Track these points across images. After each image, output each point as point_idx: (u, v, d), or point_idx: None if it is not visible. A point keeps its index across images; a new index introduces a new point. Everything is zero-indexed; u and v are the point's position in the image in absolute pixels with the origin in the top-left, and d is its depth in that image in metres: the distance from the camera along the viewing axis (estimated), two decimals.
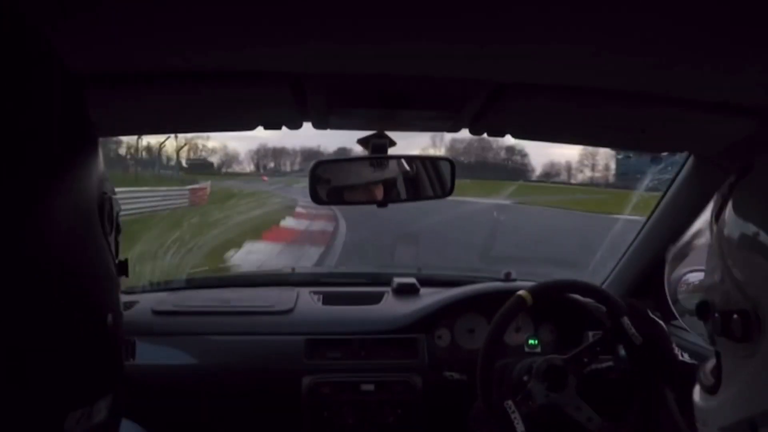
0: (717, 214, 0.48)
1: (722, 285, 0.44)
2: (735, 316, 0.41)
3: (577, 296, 1.32)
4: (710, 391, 0.48)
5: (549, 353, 1.18)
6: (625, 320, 1.12)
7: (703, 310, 0.46)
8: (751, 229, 0.42)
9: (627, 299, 1.22)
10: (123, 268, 0.49)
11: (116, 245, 0.47)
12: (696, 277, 1.42)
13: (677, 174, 1.24)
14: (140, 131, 1.17)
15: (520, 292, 1.16)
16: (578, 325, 1.37)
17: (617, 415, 1.15)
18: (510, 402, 1.10)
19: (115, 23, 0.57)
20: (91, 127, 0.43)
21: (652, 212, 1.35)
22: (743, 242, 0.43)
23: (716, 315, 0.43)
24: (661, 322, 1.13)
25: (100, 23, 0.57)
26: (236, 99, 0.86)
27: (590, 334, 1.36)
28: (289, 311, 1.41)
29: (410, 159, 1.11)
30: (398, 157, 1.09)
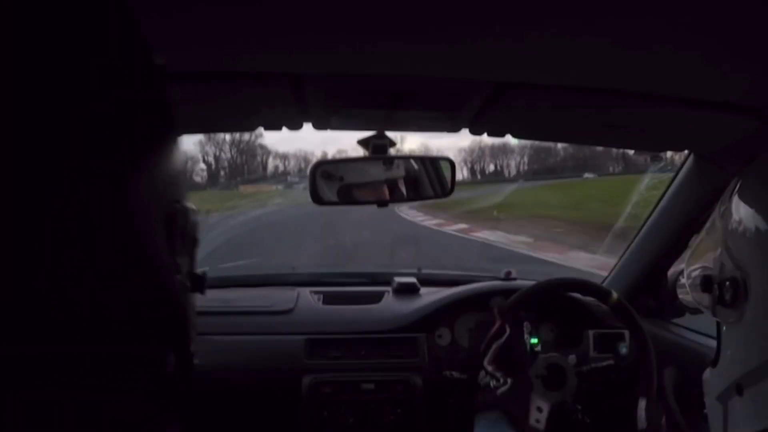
0: (727, 198, 0.56)
1: (720, 258, 0.51)
2: (727, 283, 0.49)
3: (578, 295, 1.32)
4: (712, 364, 0.57)
5: (549, 352, 1.18)
6: (642, 402, 1.08)
7: (706, 283, 0.53)
8: (748, 212, 0.50)
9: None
10: (198, 283, 0.43)
11: (191, 261, 0.41)
12: (696, 273, 1.42)
13: (677, 172, 1.25)
14: None
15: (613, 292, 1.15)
16: (578, 324, 1.37)
17: (617, 413, 1.15)
18: (528, 324, 1.11)
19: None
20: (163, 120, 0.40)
21: (653, 210, 1.35)
22: (740, 223, 0.51)
23: (715, 286, 0.51)
24: (662, 413, 1.11)
25: None
26: (236, 100, 0.86)
27: (590, 332, 1.36)
28: (290, 311, 1.41)
29: (411, 159, 1.11)
30: (399, 158, 1.09)
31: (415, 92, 0.84)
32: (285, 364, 1.33)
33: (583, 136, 1.21)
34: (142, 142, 0.35)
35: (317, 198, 1.07)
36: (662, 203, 1.31)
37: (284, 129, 1.02)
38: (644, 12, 0.53)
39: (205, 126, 1.18)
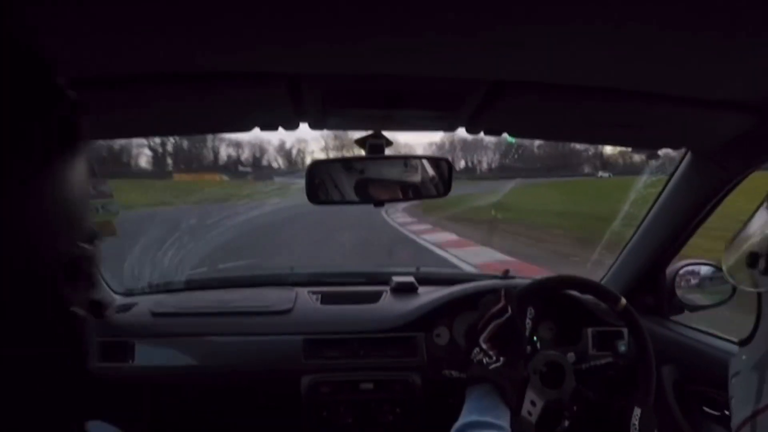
0: None
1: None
2: None
3: (576, 293, 1.32)
4: (744, 343, 0.62)
5: (547, 350, 1.18)
6: (637, 411, 1.02)
7: (752, 258, 0.58)
8: None
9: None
10: (97, 310, 0.43)
11: (89, 290, 0.42)
12: (693, 269, 1.42)
13: (675, 170, 1.25)
14: (136, 134, 1.17)
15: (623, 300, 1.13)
16: (577, 321, 1.37)
17: (616, 411, 1.15)
18: (531, 308, 1.10)
19: (109, 27, 0.57)
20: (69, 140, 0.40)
21: (650, 208, 1.35)
22: None
23: (761, 259, 0.56)
24: (656, 422, 1.09)
25: (94, 27, 0.57)
26: (232, 101, 0.86)
27: (589, 330, 1.36)
28: (288, 311, 1.41)
29: (407, 159, 1.11)
30: (395, 158, 1.09)
31: (411, 92, 0.84)
32: (284, 365, 1.33)
33: (581, 135, 1.20)
34: (34, 165, 0.36)
35: (313, 197, 1.07)
36: (660, 201, 1.31)
37: (280, 129, 1.01)
38: (642, 9, 0.53)
39: (200, 127, 1.18)
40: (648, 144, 1.27)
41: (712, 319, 1.35)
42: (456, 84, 0.79)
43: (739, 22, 0.54)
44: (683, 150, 1.20)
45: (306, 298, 1.49)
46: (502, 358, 0.90)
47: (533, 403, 1.06)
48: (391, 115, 0.95)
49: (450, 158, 1.16)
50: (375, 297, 1.50)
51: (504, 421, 0.81)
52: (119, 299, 1.49)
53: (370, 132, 1.04)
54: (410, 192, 1.10)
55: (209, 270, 2.23)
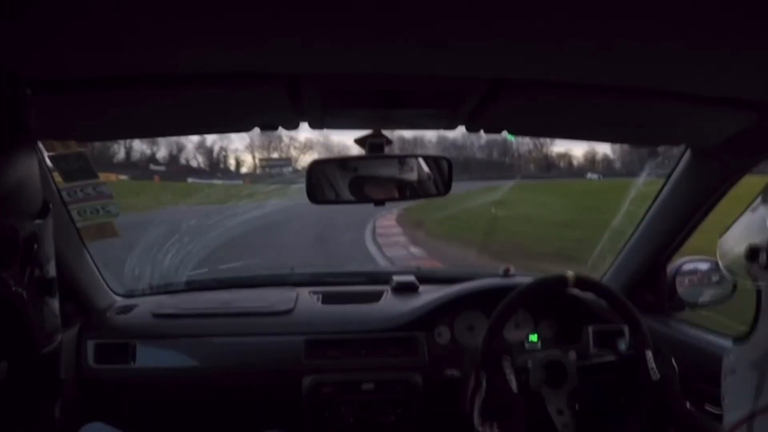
0: None
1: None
2: None
3: (577, 291, 1.32)
4: (740, 340, 0.61)
5: (549, 349, 1.18)
6: (649, 353, 1.09)
7: (752, 252, 0.57)
8: None
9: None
10: (46, 287, 0.42)
11: (37, 268, 0.41)
12: (693, 266, 1.42)
13: (675, 167, 1.25)
14: (136, 135, 1.17)
15: (568, 273, 1.17)
16: (577, 320, 1.37)
17: (617, 410, 1.15)
18: (508, 356, 1.11)
19: (110, 28, 0.57)
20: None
21: (650, 205, 1.35)
22: None
23: (762, 253, 0.56)
24: (675, 365, 1.11)
25: (94, 27, 0.57)
26: (232, 101, 0.86)
27: (590, 329, 1.36)
28: (289, 311, 1.41)
29: (408, 158, 1.11)
30: (395, 157, 1.09)
31: (411, 90, 0.84)
32: (285, 365, 1.33)
33: (580, 132, 1.20)
34: None
35: (314, 197, 1.07)
36: (660, 198, 1.31)
37: (280, 129, 1.01)
38: (641, 8, 0.53)
39: (200, 128, 1.18)
40: (648, 141, 1.27)
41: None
42: (455, 82, 0.79)
43: (739, 19, 0.54)
44: (683, 147, 1.20)
45: (307, 298, 1.49)
46: (497, 430, 0.94)
47: (560, 412, 1.08)
48: (390, 114, 0.95)
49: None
50: (376, 296, 1.50)
51: None
52: (120, 301, 1.49)
53: (370, 131, 1.04)
54: (410, 191, 1.10)
55: (210, 271, 2.23)
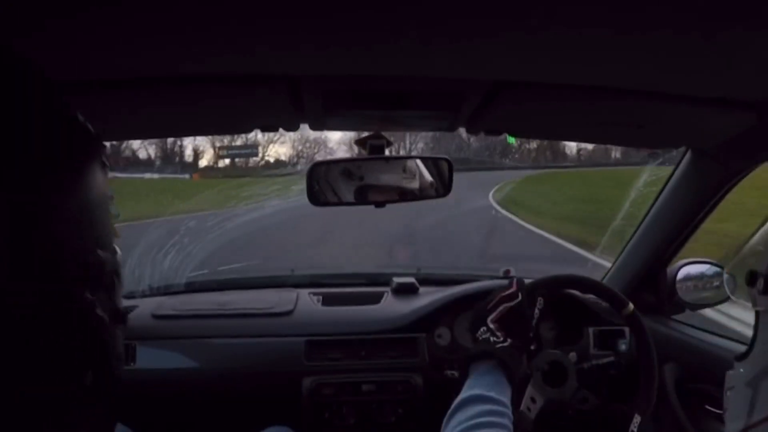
0: None
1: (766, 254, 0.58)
2: None
3: (577, 292, 1.32)
4: (740, 358, 0.62)
5: (549, 349, 1.18)
6: (637, 418, 1.03)
7: (752, 277, 0.59)
8: None
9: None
10: (119, 317, 0.44)
11: (112, 298, 0.43)
12: (693, 268, 1.42)
13: (675, 168, 1.25)
14: (137, 136, 1.17)
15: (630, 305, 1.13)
16: (578, 321, 1.37)
17: (616, 415, 1.15)
18: (542, 299, 1.08)
19: (112, 30, 0.57)
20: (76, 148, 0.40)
21: (651, 207, 1.35)
22: None
23: (761, 279, 0.57)
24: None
25: (98, 30, 0.57)
26: (233, 102, 0.86)
27: (590, 329, 1.36)
28: (289, 313, 1.41)
29: (408, 159, 1.11)
30: (396, 158, 1.09)
31: (411, 92, 0.84)
32: (285, 367, 1.33)
33: (581, 134, 1.21)
34: (48, 172, 0.37)
35: (314, 199, 1.07)
36: (660, 199, 1.31)
37: (281, 130, 1.01)
38: (640, 8, 0.53)
39: (201, 129, 1.18)
40: (648, 143, 1.27)
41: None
42: (456, 84, 0.79)
43: (739, 19, 0.54)
44: (683, 148, 1.20)
45: (307, 299, 1.49)
46: (509, 340, 0.90)
47: (533, 400, 1.06)
48: (391, 116, 0.96)
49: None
50: (376, 298, 1.50)
51: (506, 398, 0.81)
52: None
53: (370, 132, 1.04)
54: (412, 193, 1.10)
55: (210, 272, 2.23)
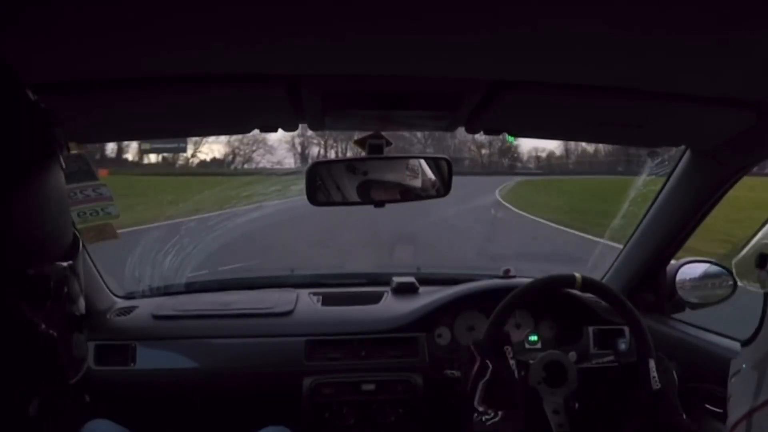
0: None
1: None
2: None
3: (577, 292, 1.32)
4: (747, 343, 0.62)
5: (549, 349, 1.18)
6: (652, 363, 1.08)
7: (761, 259, 0.59)
8: None
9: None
10: (76, 324, 0.41)
11: (68, 306, 0.40)
12: (693, 267, 1.41)
13: (675, 168, 1.25)
14: (137, 136, 1.17)
15: (576, 274, 1.17)
16: (577, 320, 1.37)
17: (614, 414, 1.15)
18: (509, 347, 1.11)
19: (111, 29, 0.57)
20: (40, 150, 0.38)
21: (650, 206, 1.35)
22: None
23: None
24: (676, 378, 1.11)
25: (95, 29, 0.57)
26: (232, 102, 0.86)
27: (590, 329, 1.36)
28: (289, 313, 1.41)
29: (408, 159, 1.11)
30: (395, 158, 1.09)
31: (410, 92, 0.84)
32: (285, 366, 1.33)
33: (580, 133, 1.21)
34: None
35: (314, 199, 1.07)
36: (660, 199, 1.31)
37: (280, 130, 1.01)
38: (639, 8, 0.53)
39: (200, 129, 1.18)
40: (647, 142, 1.27)
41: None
42: (455, 84, 0.79)
43: (738, 19, 0.54)
44: (683, 147, 1.20)
45: (307, 299, 1.49)
46: (499, 412, 0.96)
47: (556, 412, 1.08)
48: (390, 116, 0.95)
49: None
50: (376, 298, 1.50)
51: None
52: (120, 302, 1.49)
53: (370, 132, 1.04)
54: (410, 193, 1.10)
55: (209, 272, 2.23)
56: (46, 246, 0.39)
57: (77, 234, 0.43)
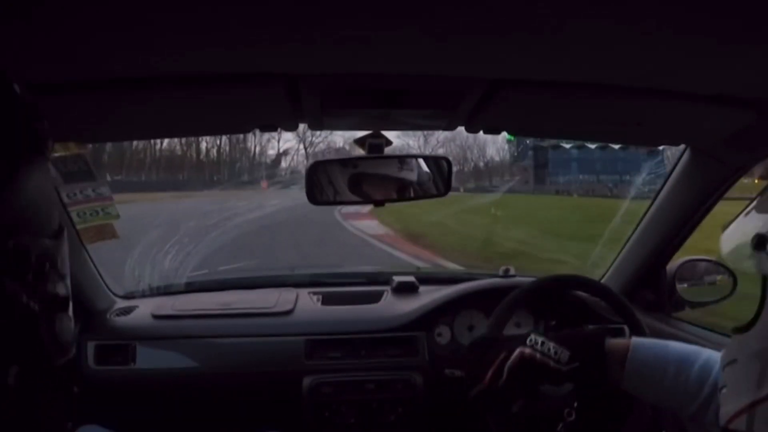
0: None
1: None
2: None
3: (577, 292, 1.32)
4: (741, 330, 0.60)
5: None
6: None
7: (760, 241, 0.57)
8: None
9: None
10: (61, 304, 0.43)
11: (51, 285, 0.42)
12: (693, 265, 1.41)
13: (674, 166, 1.25)
14: (137, 136, 1.17)
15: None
16: (577, 320, 1.37)
17: (618, 410, 1.15)
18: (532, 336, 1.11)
19: (111, 28, 0.57)
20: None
21: (650, 205, 1.35)
22: None
23: None
24: None
25: (95, 28, 0.57)
26: (231, 102, 0.86)
27: (589, 328, 1.36)
28: (289, 312, 1.41)
29: (407, 158, 1.11)
30: (395, 157, 1.09)
31: (410, 91, 0.84)
32: (285, 366, 1.33)
33: (580, 132, 1.21)
34: None
35: (314, 198, 1.07)
36: (660, 197, 1.31)
37: (279, 130, 1.01)
38: (638, 5, 0.53)
39: (200, 129, 1.18)
40: (647, 140, 1.27)
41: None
42: (454, 82, 0.79)
43: (737, 17, 0.54)
44: (682, 146, 1.20)
45: (307, 299, 1.49)
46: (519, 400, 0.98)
47: (557, 411, 1.08)
48: (390, 115, 0.95)
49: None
50: (376, 297, 1.50)
51: None
52: (120, 302, 1.49)
53: (369, 132, 1.04)
54: (409, 192, 1.10)
55: (209, 272, 2.24)
56: (29, 226, 0.40)
57: (75, 229, 0.44)
